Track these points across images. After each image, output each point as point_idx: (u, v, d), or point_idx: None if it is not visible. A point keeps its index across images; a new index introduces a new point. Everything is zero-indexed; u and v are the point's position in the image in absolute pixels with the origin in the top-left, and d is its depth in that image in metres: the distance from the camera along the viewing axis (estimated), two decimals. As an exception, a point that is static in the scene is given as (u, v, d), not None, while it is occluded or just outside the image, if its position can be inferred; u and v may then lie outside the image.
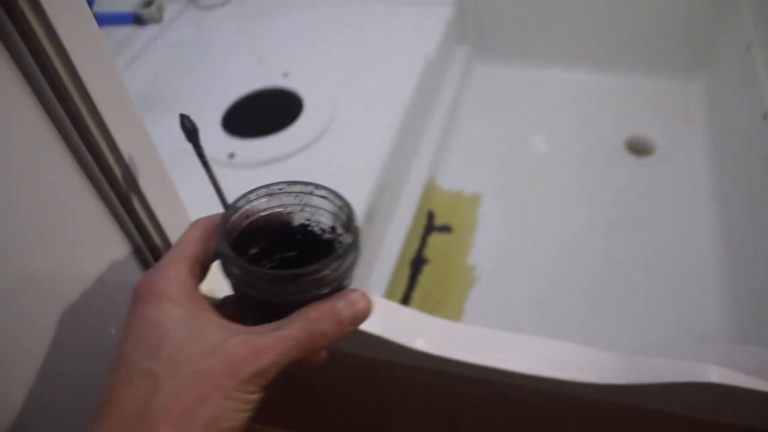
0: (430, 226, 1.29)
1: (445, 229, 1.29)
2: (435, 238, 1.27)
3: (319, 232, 0.45)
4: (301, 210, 0.45)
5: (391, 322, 0.79)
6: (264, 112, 1.27)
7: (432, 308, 1.16)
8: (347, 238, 0.41)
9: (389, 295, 1.14)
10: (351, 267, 0.40)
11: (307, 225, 0.45)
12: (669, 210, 1.28)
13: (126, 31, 1.46)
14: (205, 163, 0.46)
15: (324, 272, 0.38)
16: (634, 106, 1.52)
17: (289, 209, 0.45)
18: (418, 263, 1.23)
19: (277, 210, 0.45)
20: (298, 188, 0.45)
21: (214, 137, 1.18)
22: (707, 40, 1.47)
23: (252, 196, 0.44)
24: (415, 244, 1.26)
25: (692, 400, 0.73)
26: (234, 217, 0.43)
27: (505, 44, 1.66)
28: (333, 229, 0.44)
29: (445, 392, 0.87)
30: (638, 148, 1.43)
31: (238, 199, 0.44)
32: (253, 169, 1.11)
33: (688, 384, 0.70)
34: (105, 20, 1.22)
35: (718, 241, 1.20)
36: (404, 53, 1.36)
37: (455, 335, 0.79)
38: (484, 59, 1.69)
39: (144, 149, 0.64)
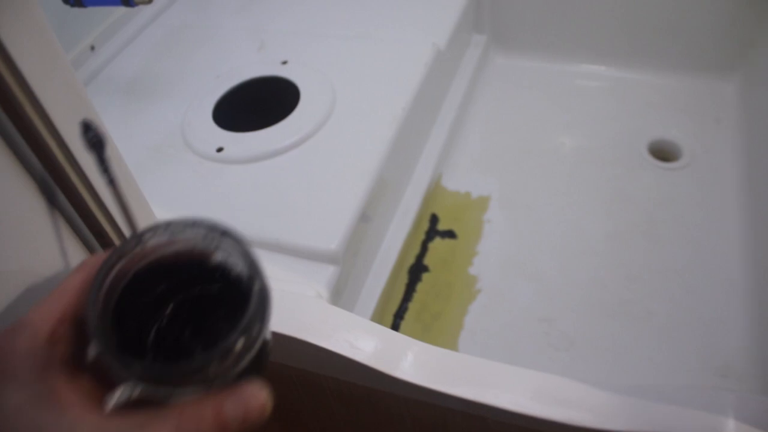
0: (432, 230, 1.21)
1: (449, 234, 1.20)
2: (437, 244, 1.19)
3: (237, 278, 0.37)
4: (215, 249, 0.38)
5: (377, 347, 0.73)
6: (258, 103, 1.20)
7: (429, 321, 1.08)
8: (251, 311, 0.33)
9: (384, 304, 1.06)
10: (258, 355, 0.34)
11: (224, 266, 0.38)
12: (694, 222, 1.18)
13: (121, 12, 1.39)
14: (111, 181, 0.37)
15: (212, 368, 0.31)
16: (660, 107, 1.41)
17: (200, 246, 0.37)
18: (417, 271, 1.15)
19: (185, 246, 0.37)
20: (203, 230, 0.37)
21: (203, 129, 1.11)
22: (743, 38, 1.36)
23: (147, 236, 0.36)
24: (415, 249, 1.17)
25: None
26: (121, 263, 0.35)
27: (524, 34, 1.56)
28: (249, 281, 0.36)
29: (430, 424, 0.80)
30: (663, 153, 1.33)
31: (128, 240, 0.36)
32: (241, 165, 1.04)
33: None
34: (92, 0, 1.15)
35: (746, 258, 1.10)
36: (413, 42, 1.27)
37: (443, 364, 0.73)
38: (501, 49, 1.59)
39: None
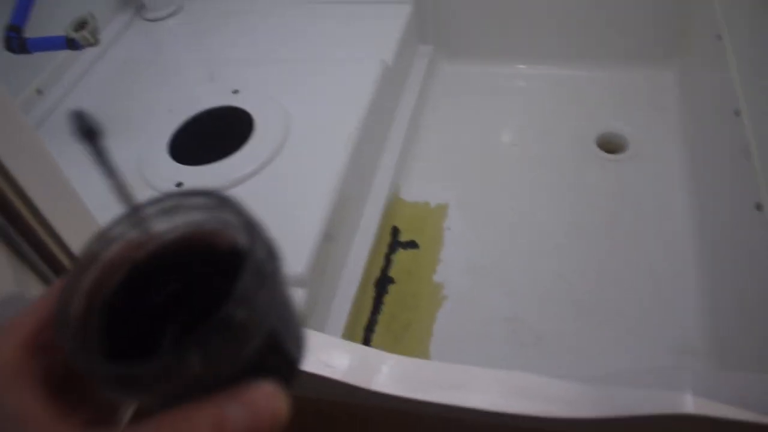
0: (394, 242, 1.23)
1: (411, 245, 1.23)
2: (400, 256, 1.22)
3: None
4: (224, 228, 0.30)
5: (351, 364, 0.75)
6: (213, 134, 1.21)
7: (399, 332, 1.10)
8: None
9: (353, 319, 1.08)
10: (269, 346, 0.27)
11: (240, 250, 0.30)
12: (644, 211, 1.23)
13: (66, 52, 1.39)
14: (112, 171, 0.32)
15: (194, 363, 0.24)
16: (604, 100, 1.47)
17: (211, 226, 0.30)
18: (383, 283, 1.17)
19: (190, 230, 0.30)
20: (201, 200, 0.30)
21: (160, 165, 1.12)
22: (677, 29, 1.43)
23: (149, 211, 0.30)
24: (380, 263, 1.20)
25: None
26: (111, 252, 0.30)
27: (468, 41, 1.60)
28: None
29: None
30: (611, 146, 1.38)
31: (109, 228, 0.30)
32: (202, 196, 1.05)
33: (663, 416, 0.66)
34: (38, 45, 1.16)
35: (695, 241, 1.16)
36: (361, 59, 1.30)
37: (416, 372, 0.75)
38: (447, 57, 1.63)
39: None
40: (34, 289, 0.60)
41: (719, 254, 1.06)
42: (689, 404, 0.65)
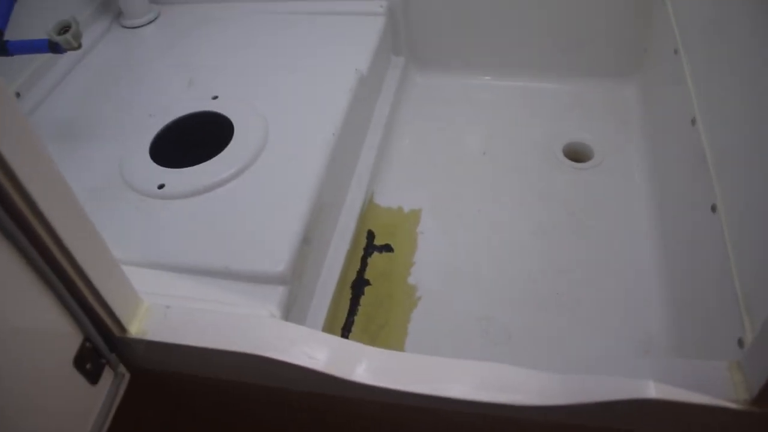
0: (370, 246, 1.27)
1: (386, 248, 1.27)
2: (376, 259, 1.25)
3: None
4: None
5: (333, 355, 0.78)
6: (193, 139, 1.23)
7: (375, 332, 1.14)
8: None
9: (331, 320, 1.11)
10: None
11: None
12: (609, 216, 1.29)
13: (45, 56, 1.40)
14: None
15: None
16: (570, 112, 1.53)
17: None
18: (359, 285, 1.21)
19: None
20: None
21: (142, 168, 1.14)
22: (639, 44, 1.50)
23: None
24: (356, 265, 1.24)
25: (633, 416, 0.73)
26: None
27: (439, 53, 1.66)
28: None
29: (389, 422, 0.85)
30: (577, 155, 1.44)
31: None
32: (185, 199, 1.07)
33: (628, 401, 0.70)
34: (19, 48, 1.17)
35: (656, 242, 1.21)
36: (337, 68, 1.34)
37: (395, 364, 0.78)
38: (419, 69, 1.68)
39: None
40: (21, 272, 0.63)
41: (679, 253, 1.12)
42: (651, 390, 0.70)
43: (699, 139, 1.02)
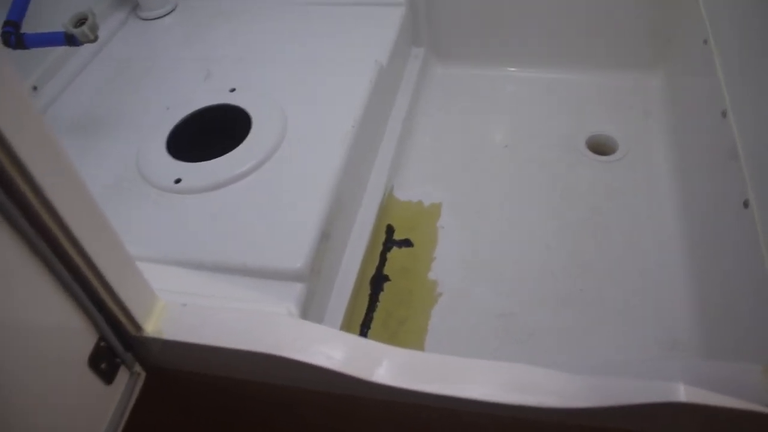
0: (389, 240, 1.25)
1: (406, 243, 1.25)
2: (395, 254, 1.23)
3: None
4: None
5: (351, 355, 0.76)
6: (211, 132, 1.22)
7: (395, 328, 1.12)
8: None
9: (350, 316, 1.10)
10: None
11: None
12: (634, 211, 1.26)
13: (61, 49, 1.40)
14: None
15: None
16: (594, 103, 1.50)
17: None
18: (378, 281, 1.19)
19: None
20: None
21: (159, 162, 1.13)
22: (665, 34, 1.46)
23: None
24: (375, 260, 1.22)
25: (658, 420, 0.71)
26: None
27: (459, 44, 1.62)
28: None
29: (409, 424, 0.84)
30: (600, 147, 1.40)
31: None
32: (202, 194, 1.06)
33: (656, 405, 0.68)
34: (35, 41, 1.16)
35: (683, 238, 1.18)
36: (356, 60, 1.32)
37: (416, 364, 0.77)
38: (439, 60, 1.65)
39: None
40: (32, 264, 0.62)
41: (707, 250, 1.08)
42: (681, 393, 0.67)
43: (730, 133, 0.99)
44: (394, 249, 1.24)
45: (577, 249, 1.21)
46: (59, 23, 1.15)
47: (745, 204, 0.89)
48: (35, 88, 1.35)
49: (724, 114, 1.03)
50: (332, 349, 0.77)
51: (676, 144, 1.34)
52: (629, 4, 1.45)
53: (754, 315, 0.84)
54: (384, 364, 0.76)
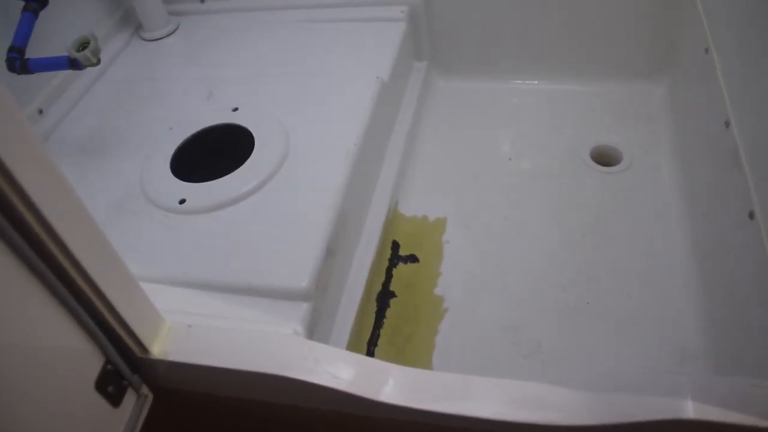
0: (395, 256, 1.25)
1: (411, 258, 1.25)
2: (401, 269, 1.23)
3: None
4: None
5: (358, 375, 0.76)
6: (214, 151, 1.23)
7: (402, 345, 1.12)
8: None
9: (357, 334, 1.09)
10: None
11: None
12: (639, 221, 1.25)
13: (66, 72, 1.41)
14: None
15: None
16: (597, 114, 1.50)
17: None
18: (384, 297, 1.19)
19: None
20: None
21: (163, 182, 1.13)
22: (667, 43, 1.46)
23: None
24: (381, 277, 1.22)
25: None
26: None
27: (461, 57, 1.63)
28: None
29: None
30: (605, 158, 1.40)
31: None
32: (206, 214, 1.07)
33: (664, 422, 0.68)
34: (39, 66, 1.17)
35: (690, 250, 1.18)
36: (358, 76, 1.32)
37: (423, 383, 0.76)
38: (442, 74, 1.66)
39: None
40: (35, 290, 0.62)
41: (714, 262, 1.08)
42: (689, 409, 0.67)
43: (734, 143, 0.98)
44: (400, 265, 1.24)
45: (583, 261, 1.20)
46: (62, 47, 1.16)
47: (751, 215, 0.88)
48: (41, 111, 1.36)
49: (727, 124, 1.03)
50: (339, 369, 0.76)
51: (681, 154, 1.33)
52: (631, 14, 1.45)
53: (763, 325, 0.83)
54: (390, 384, 0.76)
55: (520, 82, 1.61)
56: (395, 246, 1.27)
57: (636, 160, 1.37)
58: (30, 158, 0.56)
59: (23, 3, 1.22)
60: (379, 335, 1.14)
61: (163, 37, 1.57)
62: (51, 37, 1.31)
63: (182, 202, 1.08)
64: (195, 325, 0.81)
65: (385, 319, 1.16)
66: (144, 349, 0.78)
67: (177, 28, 1.60)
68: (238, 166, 1.13)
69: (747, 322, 0.90)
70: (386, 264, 1.24)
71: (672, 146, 1.37)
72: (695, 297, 1.10)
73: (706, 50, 1.19)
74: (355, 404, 0.76)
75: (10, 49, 1.17)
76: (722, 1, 1.17)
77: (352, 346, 1.07)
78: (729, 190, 1.01)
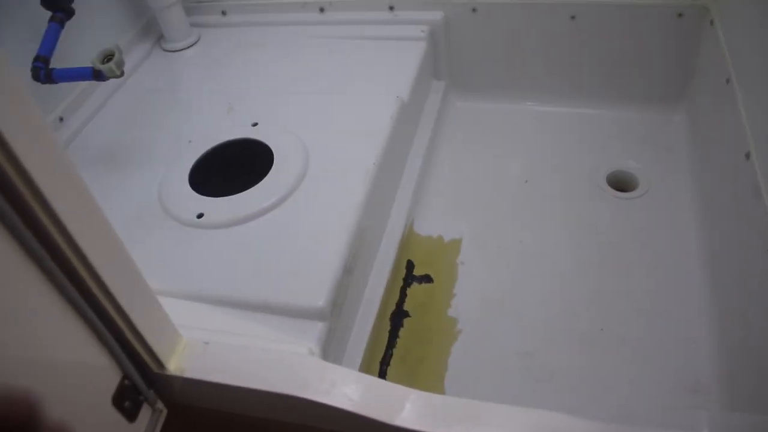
0: (409, 276, 1.25)
1: (426, 279, 1.25)
2: (415, 289, 1.23)
3: None
4: None
5: (374, 399, 0.76)
6: (233, 166, 1.23)
7: (414, 366, 1.11)
8: None
9: (370, 353, 1.09)
10: None
11: None
12: (656, 248, 1.25)
13: (86, 82, 1.42)
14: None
15: None
16: (614, 139, 1.49)
17: None
18: (398, 317, 1.19)
19: None
20: None
21: (181, 196, 1.14)
22: (686, 71, 1.46)
23: None
24: (395, 296, 1.22)
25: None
26: None
27: (480, 78, 1.63)
28: None
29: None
30: (621, 184, 1.40)
31: None
32: (224, 229, 1.07)
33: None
34: (64, 76, 1.18)
35: (706, 280, 1.17)
36: (378, 94, 1.32)
37: (439, 408, 0.76)
38: (460, 94, 1.66)
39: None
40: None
41: (731, 293, 1.07)
42: (708, 446, 0.66)
43: (754, 175, 0.98)
44: (414, 284, 1.24)
45: (597, 287, 1.20)
46: (84, 56, 1.17)
47: (771, 249, 0.88)
48: (61, 119, 1.37)
49: (747, 156, 1.02)
50: (354, 392, 0.76)
51: (699, 183, 1.33)
52: (650, 39, 1.45)
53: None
54: (406, 408, 0.76)
55: (537, 104, 1.61)
56: (410, 265, 1.27)
57: (653, 186, 1.36)
58: (53, 169, 0.56)
59: (49, 14, 1.23)
60: (392, 355, 1.14)
61: (185, 48, 1.59)
62: (76, 47, 1.32)
63: (200, 216, 1.08)
64: (211, 342, 0.82)
65: (398, 339, 1.16)
66: (160, 364, 0.78)
67: (198, 40, 1.61)
68: (257, 182, 1.13)
69: (763, 354, 0.90)
70: (401, 283, 1.24)
71: (690, 174, 1.37)
72: (710, 327, 1.09)
73: (727, 80, 1.19)
74: (371, 427, 0.76)
75: (36, 59, 1.18)
76: (745, 32, 1.17)
77: (365, 365, 1.07)
78: (748, 222, 1.01)
